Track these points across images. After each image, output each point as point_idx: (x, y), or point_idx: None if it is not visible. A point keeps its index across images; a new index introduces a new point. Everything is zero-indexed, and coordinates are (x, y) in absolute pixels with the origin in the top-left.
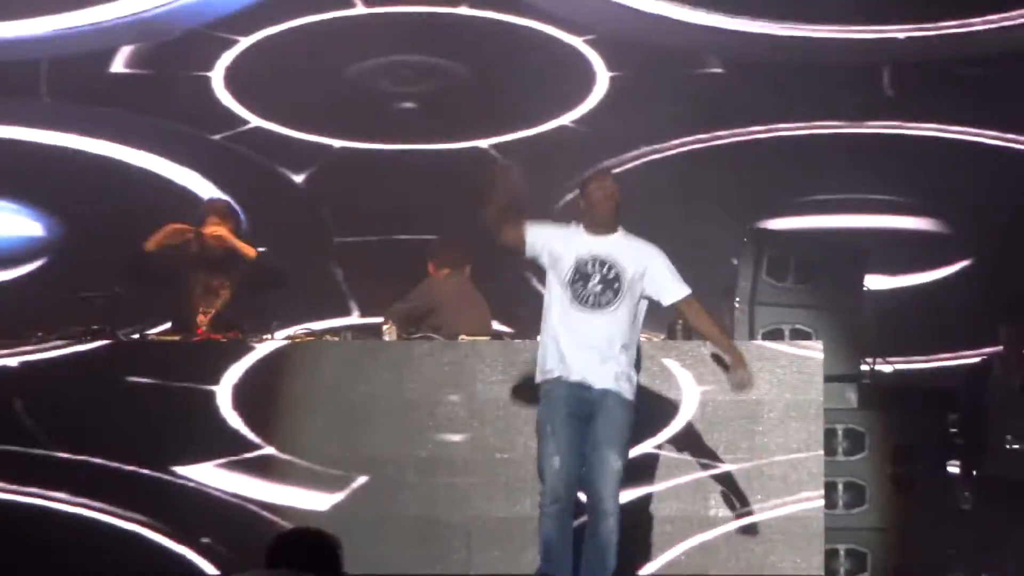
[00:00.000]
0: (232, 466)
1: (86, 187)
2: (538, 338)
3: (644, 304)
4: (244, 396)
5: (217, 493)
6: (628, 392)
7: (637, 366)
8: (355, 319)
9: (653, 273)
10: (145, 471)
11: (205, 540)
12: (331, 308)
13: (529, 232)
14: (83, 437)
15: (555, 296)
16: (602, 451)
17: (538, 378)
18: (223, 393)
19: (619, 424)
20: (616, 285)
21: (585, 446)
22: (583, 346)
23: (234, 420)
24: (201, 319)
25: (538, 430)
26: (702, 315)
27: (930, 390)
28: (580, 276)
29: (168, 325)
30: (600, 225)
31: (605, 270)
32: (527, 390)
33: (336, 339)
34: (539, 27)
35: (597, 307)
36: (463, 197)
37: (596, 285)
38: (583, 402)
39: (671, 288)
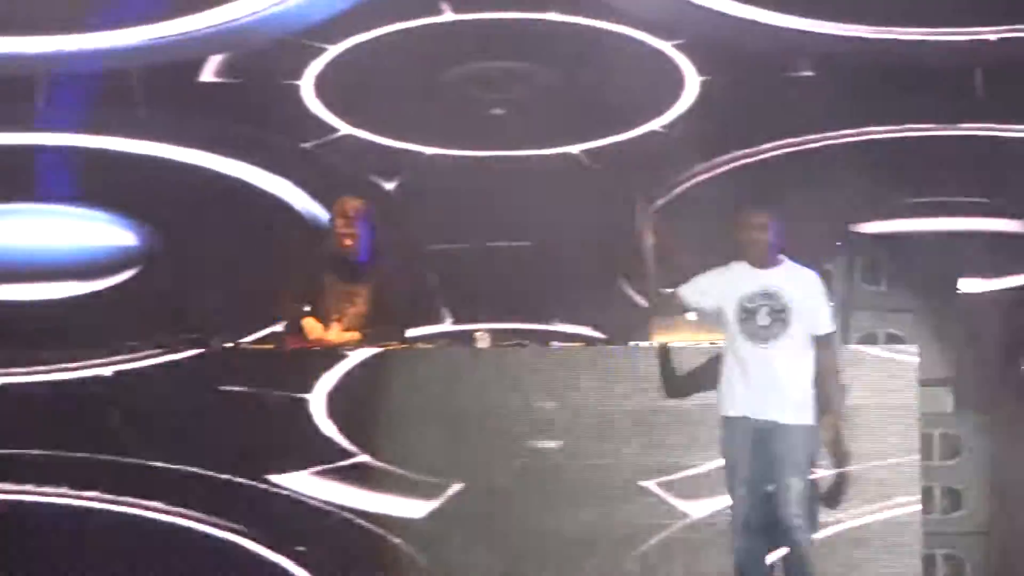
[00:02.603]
0: (327, 474)
1: (178, 196)
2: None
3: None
4: (338, 404)
5: (312, 501)
6: (804, 418)
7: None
8: (448, 327)
9: (811, 302)
10: (240, 480)
11: (301, 548)
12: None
13: (686, 296)
14: (177, 446)
15: (729, 334)
16: (781, 476)
17: (720, 410)
18: (317, 401)
19: (794, 450)
20: (784, 316)
21: (769, 473)
22: (757, 381)
23: (328, 428)
24: (335, 326)
25: (724, 463)
26: (830, 357)
27: None
28: (747, 312)
29: (279, 328)
30: (757, 262)
31: (772, 302)
32: (625, 398)
33: (429, 346)
34: (628, 32)
35: (766, 340)
36: (554, 203)
37: (764, 318)
38: (760, 432)
39: (819, 321)
